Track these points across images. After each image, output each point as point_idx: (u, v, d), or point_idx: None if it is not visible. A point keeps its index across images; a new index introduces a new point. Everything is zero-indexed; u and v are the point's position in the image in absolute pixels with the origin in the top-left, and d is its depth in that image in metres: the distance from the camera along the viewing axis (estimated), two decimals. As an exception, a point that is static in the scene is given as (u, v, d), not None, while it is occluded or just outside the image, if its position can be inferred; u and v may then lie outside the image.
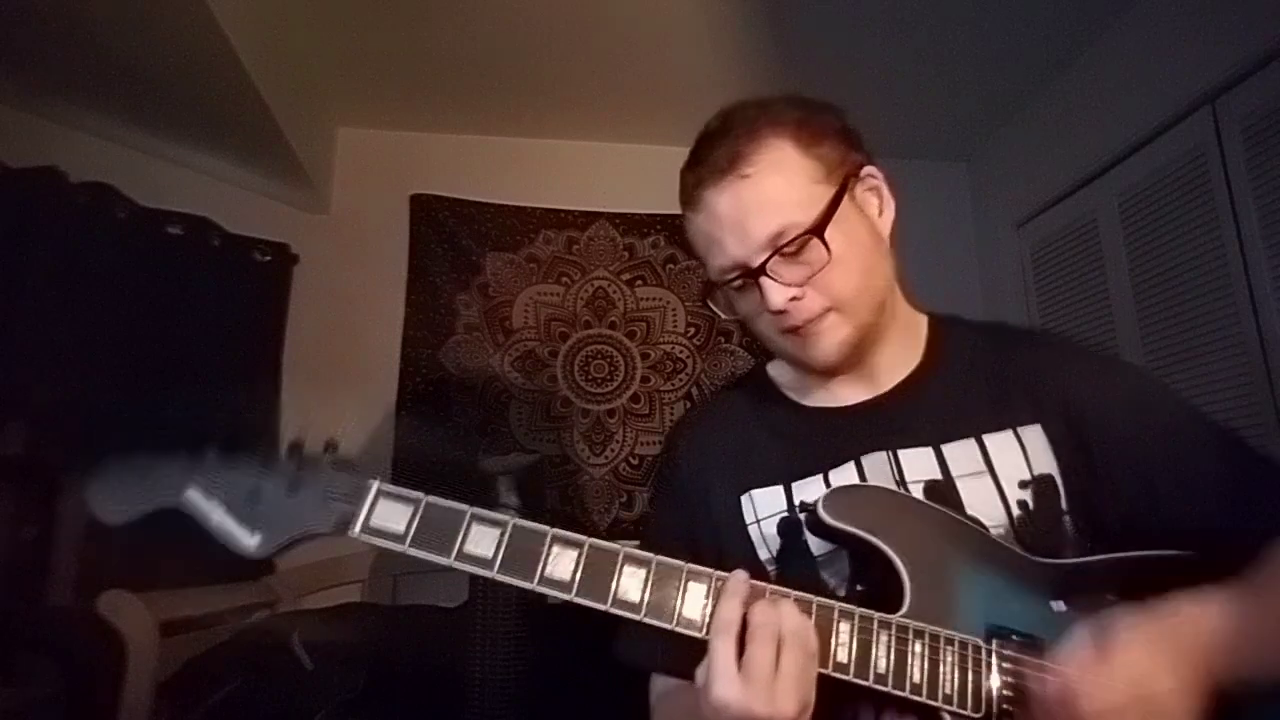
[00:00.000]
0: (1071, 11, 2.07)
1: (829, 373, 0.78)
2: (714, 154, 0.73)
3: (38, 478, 1.74)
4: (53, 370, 1.84)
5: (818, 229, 0.70)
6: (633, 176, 2.69)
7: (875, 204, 0.78)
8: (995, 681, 0.62)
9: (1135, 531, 0.69)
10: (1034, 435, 0.73)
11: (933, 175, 2.86)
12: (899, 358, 0.79)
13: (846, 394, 0.80)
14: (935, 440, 0.74)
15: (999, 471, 0.72)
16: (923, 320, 0.83)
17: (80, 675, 1.49)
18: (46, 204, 1.90)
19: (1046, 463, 0.72)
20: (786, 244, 0.69)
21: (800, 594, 0.62)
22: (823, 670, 0.60)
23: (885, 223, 0.78)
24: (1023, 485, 0.72)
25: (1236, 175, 1.76)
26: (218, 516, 0.61)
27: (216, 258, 2.31)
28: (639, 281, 2.71)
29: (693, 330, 2.69)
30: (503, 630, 1.67)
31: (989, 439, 0.73)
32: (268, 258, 2.45)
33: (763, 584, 0.62)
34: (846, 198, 0.73)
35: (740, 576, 0.61)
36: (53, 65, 1.90)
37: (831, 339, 0.73)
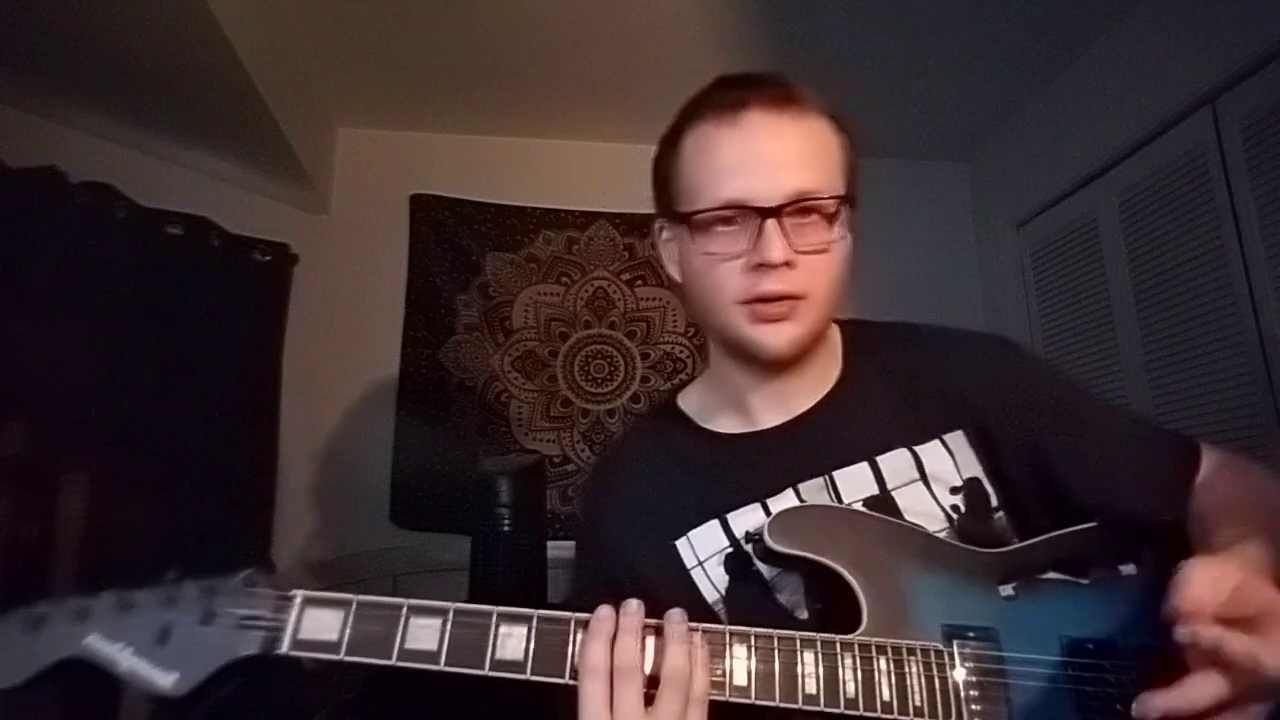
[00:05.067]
0: (1071, 11, 2.07)
1: (770, 367, 0.74)
2: (769, 84, 0.69)
3: (38, 478, 1.74)
4: (53, 370, 1.84)
5: (847, 200, 0.69)
6: (633, 176, 2.63)
7: (849, 230, 0.78)
8: (961, 683, 0.62)
9: (1064, 515, 0.70)
10: (958, 441, 0.74)
11: (933, 175, 2.86)
12: (815, 376, 0.78)
13: (764, 417, 0.77)
14: (869, 453, 0.73)
15: (931, 480, 0.73)
16: (835, 330, 0.81)
17: (80, 675, 1.49)
18: (46, 204, 1.89)
19: (971, 465, 0.73)
20: (810, 199, 0.67)
21: (760, 630, 0.61)
22: (792, 705, 0.59)
23: (850, 250, 0.77)
24: (954, 491, 0.73)
25: (1236, 175, 1.76)
26: (126, 660, 0.56)
27: (216, 258, 2.31)
28: (639, 281, 2.71)
29: (693, 330, 2.69)
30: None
31: (920, 449, 0.73)
32: (268, 258, 2.45)
33: (639, 619, 0.59)
34: (849, 208, 0.72)
35: (603, 614, 0.58)
36: (53, 65, 1.90)
37: (791, 330, 0.70)
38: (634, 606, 0.59)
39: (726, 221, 0.68)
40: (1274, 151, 1.67)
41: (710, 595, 0.74)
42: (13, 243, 1.82)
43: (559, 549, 2.41)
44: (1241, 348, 1.74)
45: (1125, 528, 0.68)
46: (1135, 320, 2.05)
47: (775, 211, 0.66)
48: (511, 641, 0.58)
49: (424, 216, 2.64)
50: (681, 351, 2.68)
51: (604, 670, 0.56)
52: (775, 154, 0.67)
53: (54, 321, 1.87)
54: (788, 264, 0.67)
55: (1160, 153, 1.99)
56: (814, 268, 0.69)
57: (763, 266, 0.67)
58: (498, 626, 0.59)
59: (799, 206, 0.67)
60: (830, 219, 0.69)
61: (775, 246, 0.66)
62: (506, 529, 1.88)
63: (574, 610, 0.60)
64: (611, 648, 0.57)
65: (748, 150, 0.67)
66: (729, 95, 0.70)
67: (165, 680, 0.55)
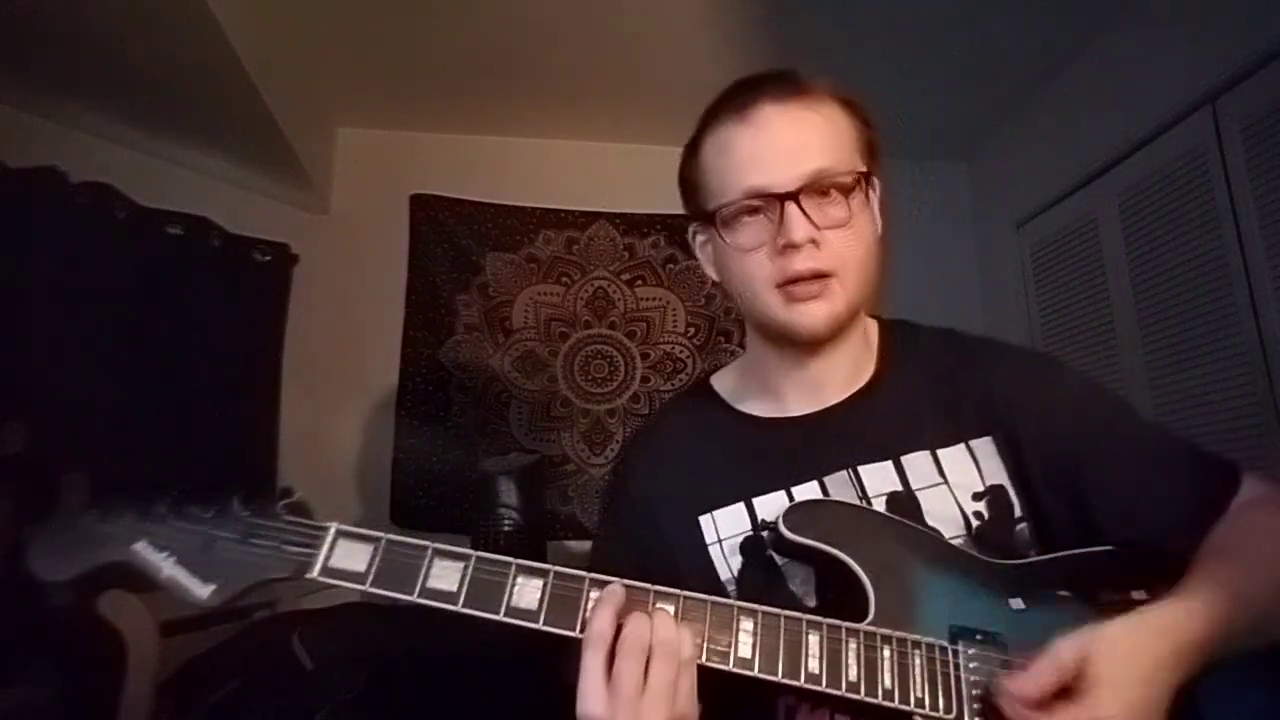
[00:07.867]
0: (1071, 12, 2.07)
1: (810, 346, 0.76)
2: (778, 82, 0.73)
3: (38, 478, 1.74)
4: (53, 370, 1.84)
5: (862, 176, 0.72)
6: (633, 176, 2.69)
7: (876, 210, 0.78)
8: (964, 680, 0.62)
9: (1091, 532, 0.70)
10: (984, 447, 0.74)
11: (933, 175, 2.86)
12: (851, 367, 0.79)
13: (795, 403, 0.79)
14: (894, 452, 0.74)
15: (953, 483, 0.73)
16: (873, 325, 0.83)
17: (80, 675, 1.49)
18: (46, 204, 1.90)
19: (997, 473, 0.73)
20: (826, 179, 0.70)
21: (766, 609, 0.62)
22: (794, 682, 0.60)
23: (878, 231, 0.79)
24: (976, 497, 0.73)
25: (1236, 175, 1.75)
26: (168, 568, 0.59)
27: (216, 258, 2.31)
28: (639, 281, 2.71)
29: (693, 330, 2.69)
30: (503, 630, 1.66)
31: (942, 453, 0.74)
32: (268, 258, 2.45)
33: (649, 588, 0.61)
34: (868, 185, 0.75)
35: (615, 588, 0.60)
36: (53, 65, 1.90)
37: (825, 308, 0.72)
38: (618, 586, 0.60)
39: (751, 212, 0.72)
40: (1274, 151, 1.67)
41: (724, 574, 0.75)
42: (13, 243, 1.82)
43: (559, 549, 2.42)
44: (1241, 348, 1.74)
45: (1142, 552, 0.67)
46: (1135, 320, 2.05)
47: (794, 194, 0.69)
48: (528, 592, 0.60)
49: (424, 216, 2.64)
50: (681, 351, 2.68)
51: (606, 640, 0.57)
52: (787, 141, 0.71)
53: (54, 321, 1.87)
54: (813, 242, 0.70)
55: (1160, 153, 1.99)
56: (839, 244, 0.71)
57: (789, 248, 0.70)
58: (516, 576, 0.61)
59: (816, 187, 0.70)
60: (848, 194, 0.72)
61: (798, 227, 0.69)
62: (506, 529, 1.88)
63: (600, 568, 0.62)
64: (619, 620, 0.58)
65: (761, 141, 0.71)
66: (739, 96, 0.73)
67: (202, 591, 0.58)
